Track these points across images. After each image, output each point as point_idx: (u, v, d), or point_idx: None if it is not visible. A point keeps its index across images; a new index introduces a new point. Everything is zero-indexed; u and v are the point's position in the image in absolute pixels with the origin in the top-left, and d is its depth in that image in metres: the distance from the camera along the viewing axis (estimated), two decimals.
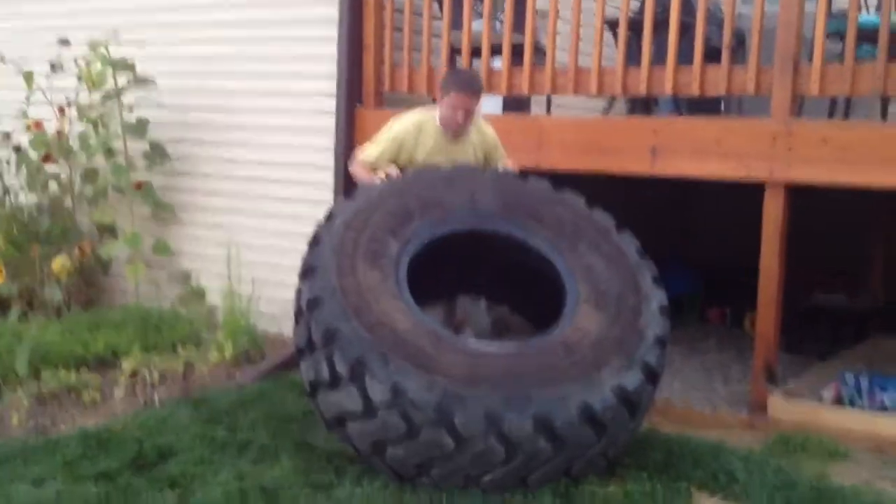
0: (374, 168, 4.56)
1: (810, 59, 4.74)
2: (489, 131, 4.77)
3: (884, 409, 4.80)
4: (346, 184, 5.93)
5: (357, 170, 4.66)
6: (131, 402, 5.13)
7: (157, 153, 6.71)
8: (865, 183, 4.58)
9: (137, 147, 6.69)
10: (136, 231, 6.62)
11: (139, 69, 6.53)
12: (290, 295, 6.08)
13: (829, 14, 4.83)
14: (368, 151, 4.62)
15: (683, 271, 7.18)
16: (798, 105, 4.86)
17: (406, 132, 4.55)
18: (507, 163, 4.80)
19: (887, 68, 4.54)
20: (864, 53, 4.76)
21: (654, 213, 8.03)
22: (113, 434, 4.40)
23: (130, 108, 6.61)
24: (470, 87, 4.40)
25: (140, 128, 6.63)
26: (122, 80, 6.52)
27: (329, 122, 6.06)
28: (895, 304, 6.55)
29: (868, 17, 5.02)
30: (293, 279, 6.16)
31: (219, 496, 3.73)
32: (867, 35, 4.70)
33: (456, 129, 4.50)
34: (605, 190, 6.09)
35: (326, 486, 3.84)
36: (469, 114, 4.48)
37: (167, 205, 6.80)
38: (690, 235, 8.08)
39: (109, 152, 6.63)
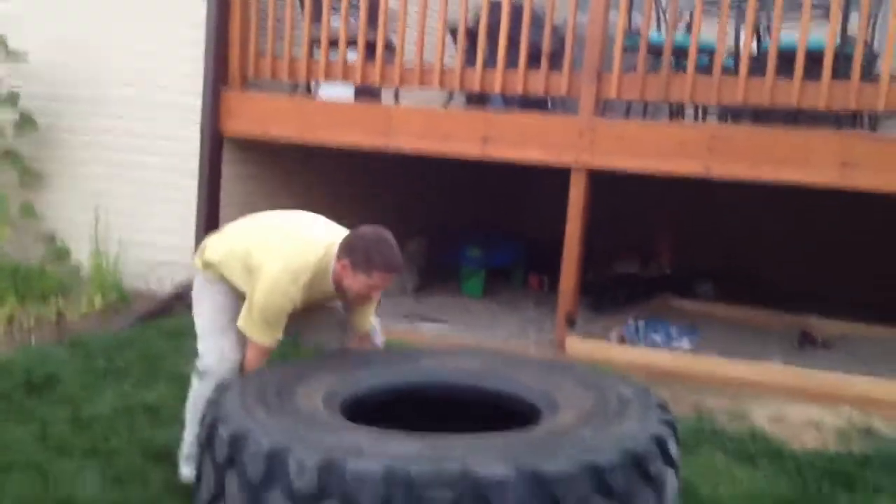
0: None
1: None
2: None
3: (655, 346, 6.03)
4: (211, 157, 6.61)
5: (255, 365, 3.52)
6: (9, 346, 5.61)
7: (26, 123, 7.11)
8: (651, 170, 5.65)
9: (8, 118, 7.07)
10: (2, 194, 7.02)
11: (11, 44, 6.94)
12: (154, 255, 6.73)
13: (628, 31, 5.85)
14: (266, 337, 3.47)
15: (511, 244, 8.25)
16: (602, 105, 5.86)
17: (298, 293, 3.43)
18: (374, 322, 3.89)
19: (670, 78, 5.62)
20: (657, 66, 5.83)
21: (487, 194, 9.08)
22: (1, 364, 4.93)
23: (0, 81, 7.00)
24: (397, 269, 3.45)
25: (11, 99, 7.02)
26: None
27: (196, 101, 6.65)
28: (677, 272, 7.83)
29: (658, 35, 6.07)
30: (158, 239, 6.82)
31: (107, 411, 4.37)
32: (656, 50, 5.76)
33: (356, 303, 3.62)
34: (450, 175, 7.11)
35: None
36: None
37: (34, 171, 7.21)
38: (518, 213, 9.16)
39: None
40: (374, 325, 3.85)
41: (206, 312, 3.70)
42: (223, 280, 3.65)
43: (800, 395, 5.12)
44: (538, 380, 3.39)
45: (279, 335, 3.46)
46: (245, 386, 3.13)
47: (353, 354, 3.63)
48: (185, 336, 5.65)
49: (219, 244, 3.72)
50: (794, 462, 4.29)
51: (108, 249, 6.69)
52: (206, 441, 2.88)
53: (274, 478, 2.60)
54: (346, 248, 3.39)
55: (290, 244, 3.49)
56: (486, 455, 2.55)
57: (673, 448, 2.89)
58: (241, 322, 3.46)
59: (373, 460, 2.52)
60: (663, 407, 3.10)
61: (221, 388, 3.17)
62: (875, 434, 4.72)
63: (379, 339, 3.88)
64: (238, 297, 3.56)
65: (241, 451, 2.70)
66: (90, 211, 6.86)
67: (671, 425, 2.96)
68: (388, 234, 3.43)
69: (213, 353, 3.59)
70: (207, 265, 3.70)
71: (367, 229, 3.46)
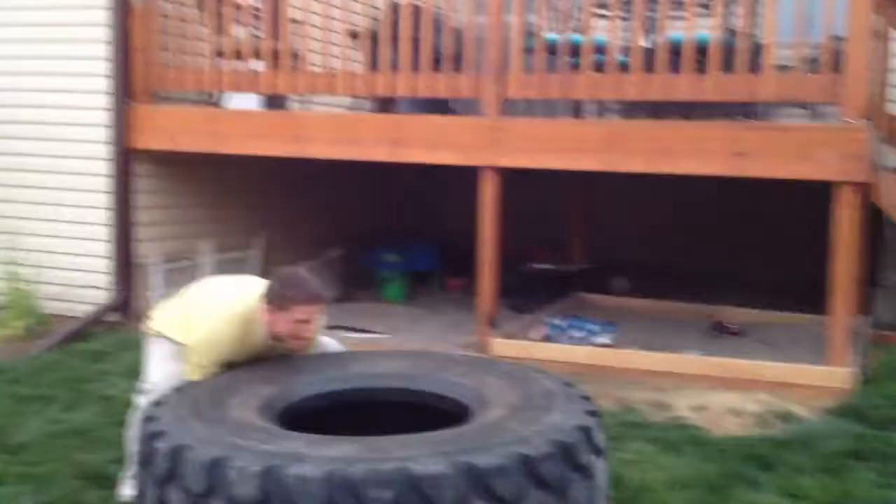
0: None
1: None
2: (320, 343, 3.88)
3: (576, 342, 6.20)
4: (120, 172, 6.60)
5: None
6: None
7: None
8: (555, 166, 5.87)
9: None
10: None
11: None
12: (71, 275, 6.70)
13: (526, 33, 6.04)
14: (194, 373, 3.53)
15: (427, 249, 8.38)
16: (507, 105, 6.04)
17: (228, 347, 3.54)
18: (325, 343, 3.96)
19: (569, 76, 5.84)
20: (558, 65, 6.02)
21: (401, 198, 9.21)
22: None
23: None
24: (315, 299, 3.50)
25: None
26: None
27: (104, 117, 6.64)
28: (591, 267, 8.09)
29: (553, 35, 6.29)
30: (74, 261, 6.78)
31: (37, 436, 4.40)
32: (553, 49, 5.97)
33: (296, 347, 3.61)
34: (363, 180, 7.18)
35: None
36: (315, 324, 3.59)
37: None
38: (433, 216, 9.31)
39: None
40: (325, 345, 3.92)
41: (155, 355, 3.80)
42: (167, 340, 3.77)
43: (718, 383, 5.37)
44: (465, 377, 3.51)
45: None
46: (179, 400, 3.19)
47: (282, 362, 3.67)
48: (108, 358, 5.72)
49: (161, 315, 3.86)
50: (716, 447, 4.50)
51: (24, 273, 6.63)
52: (145, 457, 2.94)
53: (216, 488, 2.67)
54: (265, 295, 3.50)
55: (218, 305, 3.64)
56: (422, 453, 2.67)
57: (598, 437, 3.04)
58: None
59: (313, 464, 2.60)
60: (587, 398, 3.24)
61: (155, 404, 3.24)
62: (792, 417, 4.99)
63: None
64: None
65: (181, 463, 2.75)
66: (3, 235, 6.80)
67: (595, 415, 3.11)
68: (300, 269, 3.56)
69: (159, 371, 3.69)
70: (152, 331, 3.83)
71: (281, 270, 3.61)
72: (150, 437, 2.92)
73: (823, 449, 4.42)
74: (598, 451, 3.01)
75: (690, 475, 4.11)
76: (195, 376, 3.47)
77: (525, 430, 2.86)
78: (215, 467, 2.67)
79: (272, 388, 3.36)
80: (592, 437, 2.99)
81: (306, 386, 3.47)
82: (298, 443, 2.77)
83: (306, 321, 3.49)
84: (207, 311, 3.62)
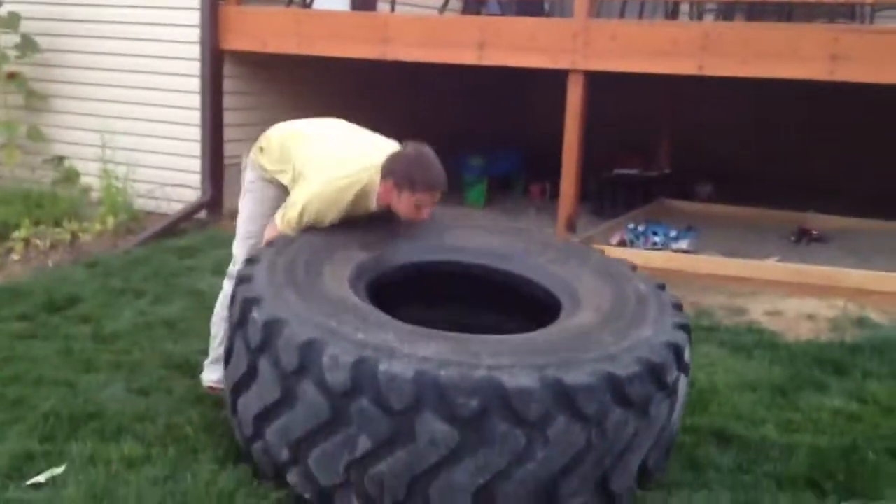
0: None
1: None
2: None
3: (655, 247, 6.17)
4: (212, 74, 6.67)
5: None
6: (27, 267, 5.81)
7: (28, 45, 7.16)
8: (645, 70, 5.69)
9: (9, 40, 7.12)
10: (10, 119, 7.13)
11: None
12: (162, 174, 6.86)
13: None
14: (285, 228, 3.44)
15: (511, 152, 8.31)
16: (597, 6, 5.87)
17: (341, 206, 3.41)
18: None
19: None
20: None
21: (485, 102, 9.10)
22: (22, 287, 5.13)
23: (1, 2, 7.03)
24: (440, 185, 3.39)
25: (12, 21, 7.06)
26: None
27: (194, 17, 6.68)
28: (678, 172, 7.93)
29: None
30: (165, 160, 6.94)
31: (128, 327, 4.56)
32: None
33: (413, 222, 3.50)
34: (447, 83, 7.10)
35: None
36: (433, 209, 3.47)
37: (39, 94, 7.30)
38: (517, 120, 9.19)
39: None
40: None
41: (245, 212, 3.74)
42: (270, 181, 3.65)
43: (796, 289, 5.29)
44: (561, 266, 3.45)
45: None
46: (274, 261, 3.13)
47: (380, 226, 3.47)
48: (197, 254, 5.87)
49: (275, 143, 3.65)
50: (787, 351, 4.48)
51: (117, 170, 6.81)
52: (239, 321, 2.95)
53: (307, 369, 2.71)
54: (388, 170, 3.34)
55: (338, 163, 3.45)
56: (513, 362, 2.65)
57: (687, 354, 3.00)
58: (277, 215, 3.48)
59: (404, 362, 2.62)
60: (679, 307, 3.18)
61: (250, 261, 3.19)
62: (867, 323, 4.90)
63: None
64: (279, 200, 3.60)
65: (275, 337, 2.77)
66: (97, 133, 6.96)
67: (686, 330, 3.05)
68: (428, 150, 3.40)
69: (244, 258, 3.59)
70: (259, 162, 3.68)
71: (408, 148, 3.42)
72: (245, 303, 2.92)
73: (895, 355, 4.35)
74: (684, 369, 2.98)
75: (759, 378, 4.08)
76: (289, 230, 3.38)
77: (615, 345, 2.82)
78: (309, 349, 2.71)
79: (367, 255, 3.32)
80: (681, 356, 2.94)
81: (401, 255, 3.44)
82: (391, 335, 2.76)
83: (427, 204, 3.38)
84: (323, 168, 3.42)
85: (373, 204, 3.44)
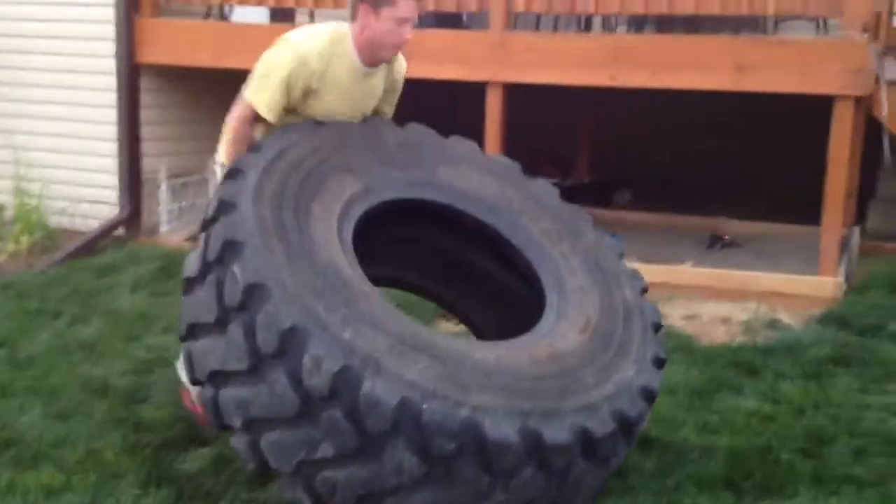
0: (260, 121, 3.34)
1: None
2: (402, 62, 3.60)
3: None
4: (128, 87, 6.57)
5: (235, 125, 3.36)
6: None
7: None
8: (561, 81, 5.81)
9: None
10: None
11: None
12: (79, 191, 6.73)
13: None
14: (258, 96, 3.27)
15: None
16: (513, 19, 5.95)
17: (314, 57, 3.24)
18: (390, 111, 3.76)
19: None
20: None
21: (407, 115, 9.10)
22: None
23: None
24: None
25: None
26: None
27: (109, 31, 6.57)
28: (596, 182, 8.08)
29: None
30: (80, 176, 6.81)
31: (45, 350, 4.47)
32: None
33: (390, 55, 3.39)
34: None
35: (137, 337, 4.66)
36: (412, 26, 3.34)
37: None
38: (441, 133, 9.21)
39: None
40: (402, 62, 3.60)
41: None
42: None
43: (711, 293, 5.42)
44: (550, 240, 3.36)
45: (271, 108, 3.25)
46: (261, 185, 2.86)
47: (369, 148, 3.32)
48: (116, 272, 5.78)
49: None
50: (703, 355, 4.60)
51: (30, 188, 6.66)
52: (217, 259, 2.68)
53: (284, 359, 2.55)
54: None
55: (299, 30, 3.38)
56: (496, 405, 2.61)
57: (656, 391, 3.02)
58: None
59: (389, 385, 2.51)
60: (657, 326, 3.27)
61: (235, 174, 2.92)
62: (778, 325, 5.05)
63: None
64: None
65: (255, 308, 2.57)
66: (9, 149, 6.80)
67: (662, 364, 3.11)
68: None
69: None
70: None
71: None
72: (227, 246, 2.68)
73: (806, 356, 4.52)
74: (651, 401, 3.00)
75: (676, 381, 4.17)
76: (271, 116, 3.22)
77: (597, 389, 2.82)
78: (291, 338, 2.54)
79: (356, 186, 3.12)
80: (654, 399, 3.01)
81: (388, 189, 3.24)
82: (380, 339, 2.62)
83: (407, 19, 3.26)
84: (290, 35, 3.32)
85: (350, 63, 3.31)
